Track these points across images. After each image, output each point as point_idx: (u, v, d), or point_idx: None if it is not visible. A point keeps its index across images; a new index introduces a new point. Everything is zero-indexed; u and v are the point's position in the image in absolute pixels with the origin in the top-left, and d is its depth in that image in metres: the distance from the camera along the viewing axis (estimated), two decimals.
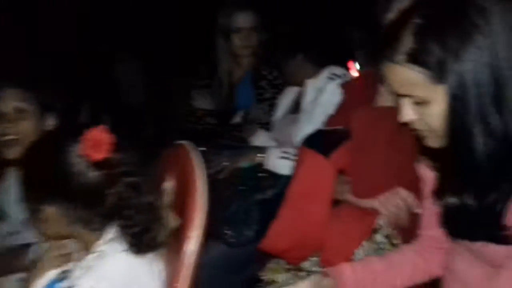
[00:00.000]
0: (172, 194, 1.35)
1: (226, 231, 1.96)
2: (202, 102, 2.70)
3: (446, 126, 0.95)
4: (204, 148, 2.37)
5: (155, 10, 4.19)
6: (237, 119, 2.57)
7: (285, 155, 2.03)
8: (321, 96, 2.05)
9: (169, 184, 1.37)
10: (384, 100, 1.53)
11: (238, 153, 2.16)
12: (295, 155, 2.01)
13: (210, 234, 2.00)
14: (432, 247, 1.25)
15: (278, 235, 1.57)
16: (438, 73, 0.92)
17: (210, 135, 2.59)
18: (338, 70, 2.13)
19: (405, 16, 0.95)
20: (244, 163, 2.12)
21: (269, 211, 1.79)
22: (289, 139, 2.14)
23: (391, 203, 1.46)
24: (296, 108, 2.23)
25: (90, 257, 1.14)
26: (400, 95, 0.99)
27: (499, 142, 0.92)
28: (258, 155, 2.09)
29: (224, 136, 2.56)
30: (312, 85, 2.15)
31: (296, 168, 1.62)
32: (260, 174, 2.05)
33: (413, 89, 0.96)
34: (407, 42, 0.94)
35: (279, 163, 2.02)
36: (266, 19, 2.60)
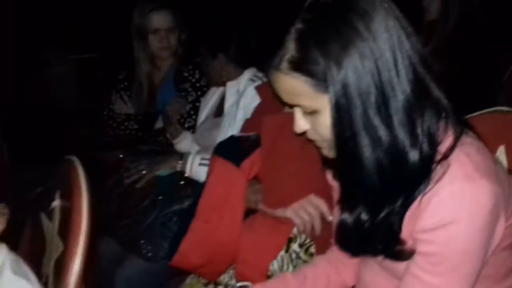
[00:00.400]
0: (59, 215, 1.23)
1: (143, 245, 1.84)
2: (123, 106, 2.56)
3: (334, 137, 0.89)
4: (121, 155, 2.26)
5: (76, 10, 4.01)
6: (159, 124, 2.45)
7: (205, 162, 1.93)
8: (242, 100, 1.96)
9: (57, 204, 1.24)
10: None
11: (158, 160, 2.04)
12: None
13: (128, 248, 1.91)
14: (345, 256, 1.19)
15: (189, 250, 1.48)
16: (322, 82, 0.86)
17: (132, 141, 2.46)
18: (255, 72, 2.05)
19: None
20: (163, 171, 2.00)
21: (186, 222, 1.70)
22: (211, 144, 2.04)
23: (304, 211, 1.39)
24: (219, 111, 2.13)
25: None
26: (290, 105, 0.92)
27: (388, 154, 0.85)
28: (179, 162, 1.98)
29: (146, 141, 2.44)
30: (233, 87, 2.06)
31: (207, 178, 1.52)
32: (180, 183, 1.93)
33: (299, 98, 0.90)
34: (290, 49, 0.88)
35: (199, 170, 1.92)
36: (184, 18, 2.49)
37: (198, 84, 2.43)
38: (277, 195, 1.43)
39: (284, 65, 0.88)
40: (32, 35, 3.88)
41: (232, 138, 1.62)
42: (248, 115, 1.88)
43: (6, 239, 1.18)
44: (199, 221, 1.49)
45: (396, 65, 0.84)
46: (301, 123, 0.95)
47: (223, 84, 2.13)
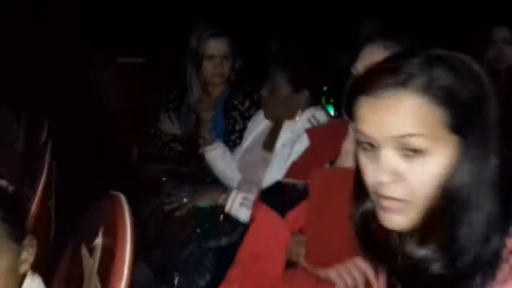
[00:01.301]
0: (101, 254, 1.20)
1: (176, 277, 1.81)
2: (170, 126, 2.56)
3: (437, 189, 0.80)
4: (164, 178, 2.25)
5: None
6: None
7: (247, 202, 1.89)
8: (297, 143, 1.91)
9: (97, 242, 1.22)
10: (344, 159, 1.40)
11: (200, 190, 2.01)
12: None
13: (161, 277, 1.88)
14: None
15: None
16: (461, 119, 0.79)
17: (175, 162, 2.45)
18: (320, 113, 2.00)
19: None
20: (204, 202, 1.97)
21: (223, 261, 1.66)
22: (256, 180, 2.00)
23: (348, 274, 1.32)
24: (268, 145, 2.08)
25: None
26: (384, 143, 0.81)
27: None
28: (221, 195, 1.94)
29: (189, 164, 2.42)
30: (289, 126, 2.01)
31: (250, 224, 1.48)
32: (220, 217, 1.90)
33: (416, 128, 0.78)
34: (429, 71, 0.80)
35: (239, 210, 1.88)
36: (241, 46, 2.48)
37: (247, 114, 2.40)
38: (321, 253, 1.36)
39: (416, 86, 0.79)
40: (81, 37, 3.93)
41: (278, 184, 1.56)
42: None
43: (39, 270, 1.16)
44: (237, 269, 1.44)
45: None
46: (388, 172, 0.81)
47: (278, 118, 2.07)
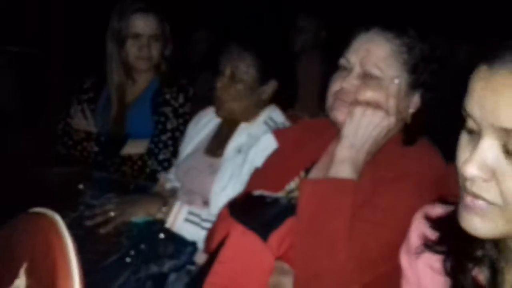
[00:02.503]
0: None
1: None
2: (83, 121, 2.12)
3: None
4: (80, 186, 1.83)
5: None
6: (127, 149, 2.03)
7: (193, 218, 1.55)
8: (254, 148, 1.59)
9: (22, 282, 0.83)
10: (339, 168, 1.16)
11: (132, 201, 1.63)
12: (205, 220, 1.55)
13: None
14: None
15: None
16: None
17: (91, 166, 2.02)
18: (277, 114, 1.70)
19: None
20: (137, 216, 1.59)
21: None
22: (199, 190, 1.67)
23: None
24: (212, 149, 1.75)
25: None
26: (487, 130, 0.67)
27: None
28: (161, 208, 1.58)
29: (107, 169, 2.01)
30: (245, 128, 1.69)
31: (224, 248, 1.15)
32: (159, 235, 1.53)
33: None
34: None
35: (183, 227, 1.54)
36: (171, 28, 2.11)
37: (180, 110, 2.06)
38: (318, 283, 1.08)
39: None
40: None
41: (251, 197, 1.26)
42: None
43: None
44: None
45: None
46: (479, 166, 0.67)
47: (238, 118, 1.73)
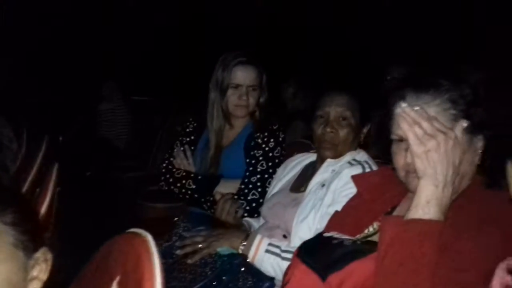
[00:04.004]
0: None
1: None
2: (184, 161, 2.33)
3: None
4: (176, 218, 2.01)
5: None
6: (220, 188, 2.20)
7: (273, 249, 1.65)
8: (333, 183, 1.69)
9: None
10: (416, 211, 1.15)
11: (218, 234, 1.77)
12: (285, 251, 1.64)
13: None
14: None
15: None
16: None
17: (188, 203, 2.21)
18: (361, 155, 1.80)
19: None
20: (222, 248, 1.73)
21: None
22: (282, 224, 1.77)
23: None
24: (297, 186, 1.86)
25: None
26: None
27: None
28: (243, 242, 1.70)
29: (204, 206, 2.18)
30: (331, 165, 1.79)
31: (284, 284, 1.24)
32: (240, 268, 1.64)
33: None
34: None
35: (264, 259, 1.63)
36: (269, 79, 2.29)
37: (270, 154, 2.19)
38: None
39: None
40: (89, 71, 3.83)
41: (320, 238, 1.33)
42: (338, 201, 1.62)
43: None
44: None
45: None
46: None
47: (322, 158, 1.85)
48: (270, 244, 1.66)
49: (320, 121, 1.82)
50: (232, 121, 2.28)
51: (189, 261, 1.72)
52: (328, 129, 1.79)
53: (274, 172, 2.12)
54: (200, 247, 1.74)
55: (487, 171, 1.20)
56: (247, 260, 1.65)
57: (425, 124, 1.13)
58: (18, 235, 0.83)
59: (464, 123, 1.15)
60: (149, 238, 0.99)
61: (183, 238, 1.81)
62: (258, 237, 1.69)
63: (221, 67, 2.24)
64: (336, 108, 1.80)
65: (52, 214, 1.48)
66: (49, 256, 0.90)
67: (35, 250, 0.87)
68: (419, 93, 1.19)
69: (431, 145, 1.11)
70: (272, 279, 1.57)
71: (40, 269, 0.88)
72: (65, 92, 3.62)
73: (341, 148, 1.80)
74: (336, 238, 1.27)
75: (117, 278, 0.98)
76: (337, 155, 1.81)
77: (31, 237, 0.86)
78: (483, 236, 1.08)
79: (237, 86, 2.21)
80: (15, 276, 0.82)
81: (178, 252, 1.75)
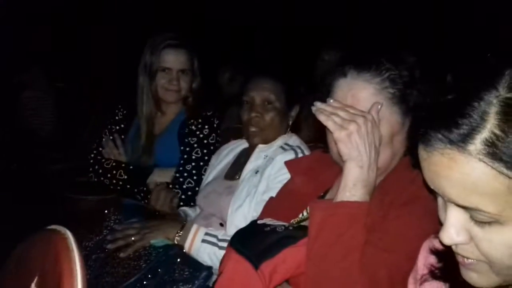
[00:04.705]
0: None
1: None
2: (114, 151, 2.22)
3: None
4: (106, 211, 1.91)
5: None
6: (154, 178, 2.11)
7: (210, 238, 1.60)
8: (267, 169, 1.66)
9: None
10: (342, 193, 1.15)
11: (151, 227, 1.69)
12: (221, 240, 1.60)
13: None
14: None
15: None
16: None
17: (120, 194, 2.11)
18: (292, 140, 1.77)
19: (485, 86, 0.62)
20: (157, 240, 1.66)
21: None
22: (217, 212, 1.73)
23: None
24: (232, 173, 1.82)
25: None
26: (452, 203, 0.67)
27: None
28: (178, 232, 1.64)
29: (137, 197, 2.09)
30: (263, 151, 1.76)
31: (219, 274, 1.20)
32: (176, 260, 1.57)
33: (482, 199, 0.63)
34: (490, 124, 0.61)
35: (200, 248, 1.58)
36: (201, 63, 2.21)
37: (205, 141, 2.13)
38: None
39: (477, 146, 0.61)
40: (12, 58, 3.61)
41: (254, 225, 1.29)
42: (272, 188, 1.59)
43: None
44: None
45: None
46: (454, 234, 0.68)
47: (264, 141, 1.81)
48: (206, 234, 1.61)
49: (246, 107, 1.79)
50: (163, 107, 2.19)
51: (122, 254, 1.64)
52: (253, 114, 1.76)
53: (209, 159, 2.07)
54: (133, 239, 1.66)
55: (410, 151, 1.20)
56: (183, 251, 1.59)
57: (342, 113, 1.14)
58: None
59: (379, 105, 1.15)
60: (69, 234, 0.92)
61: (114, 231, 1.72)
62: (194, 227, 1.64)
63: (150, 50, 2.15)
64: (260, 93, 1.77)
65: None
66: None
67: None
68: (360, 70, 1.18)
69: (352, 127, 1.12)
70: (209, 268, 1.52)
71: None
72: None
73: (269, 132, 1.78)
74: (269, 225, 1.24)
75: (35, 279, 0.90)
76: (266, 140, 1.79)
77: None
78: (406, 215, 1.10)
79: (166, 70, 2.13)
80: None
81: (110, 246, 1.66)
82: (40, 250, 0.94)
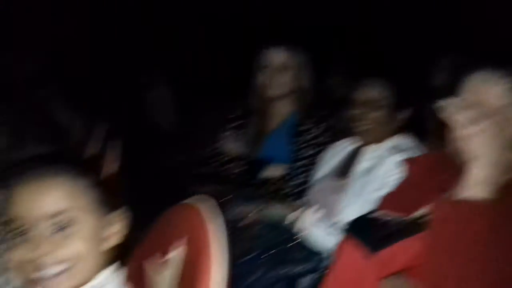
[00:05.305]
0: (179, 269, 1.02)
1: None
2: (230, 145, 2.38)
3: None
4: (222, 200, 2.06)
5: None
6: (266, 173, 2.24)
7: (322, 224, 1.68)
8: (378, 169, 1.71)
9: (175, 254, 1.04)
10: (468, 191, 1.17)
11: (271, 208, 1.81)
12: (334, 227, 1.67)
13: None
14: None
15: None
16: None
17: (234, 187, 2.25)
18: (405, 141, 1.81)
19: None
20: (273, 214, 1.75)
21: None
22: (331, 209, 1.81)
23: None
24: (342, 172, 1.89)
25: None
26: None
27: None
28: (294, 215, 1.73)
29: (250, 191, 2.23)
30: (375, 151, 1.82)
31: (335, 260, 1.27)
32: (292, 241, 1.67)
33: None
34: None
35: (314, 232, 1.67)
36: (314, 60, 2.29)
37: (316, 140, 2.22)
38: None
39: None
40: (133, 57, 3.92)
41: (372, 215, 1.36)
42: (383, 187, 1.64)
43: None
44: None
45: None
46: None
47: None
48: (319, 219, 1.69)
49: (355, 106, 1.85)
50: (276, 104, 2.30)
51: (243, 231, 1.77)
52: (362, 113, 1.83)
53: (320, 157, 2.15)
54: (251, 217, 1.78)
55: None
56: (297, 233, 1.69)
57: (470, 110, 1.15)
58: (98, 195, 0.93)
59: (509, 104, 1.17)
60: (214, 203, 1.04)
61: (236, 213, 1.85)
62: (309, 211, 1.72)
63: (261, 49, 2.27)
64: (369, 92, 1.82)
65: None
66: (124, 216, 0.97)
67: (112, 210, 0.95)
68: (490, 69, 1.21)
69: (481, 125, 1.13)
70: (322, 252, 1.60)
71: (117, 227, 0.96)
72: None
73: (378, 132, 1.83)
74: (387, 216, 1.29)
75: (177, 244, 1.03)
76: (376, 140, 1.83)
77: (108, 198, 0.95)
78: None
79: (267, 67, 2.23)
80: (96, 229, 0.92)
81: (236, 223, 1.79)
82: (185, 216, 1.08)
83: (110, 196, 0.96)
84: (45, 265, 0.85)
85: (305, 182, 2.14)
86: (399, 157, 1.68)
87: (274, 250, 1.65)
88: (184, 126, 3.54)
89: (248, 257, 1.66)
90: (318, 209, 1.86)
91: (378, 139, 1.84)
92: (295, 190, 2.15)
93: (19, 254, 0.86)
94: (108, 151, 1.81)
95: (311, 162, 2.18)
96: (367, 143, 1.85)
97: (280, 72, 2.23)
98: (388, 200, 1.47)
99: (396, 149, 1.77)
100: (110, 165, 1.52)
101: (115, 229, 0.96)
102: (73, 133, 2.10)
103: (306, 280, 1.60)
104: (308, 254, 1.61)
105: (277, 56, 2.24)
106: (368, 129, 1.84)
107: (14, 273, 0.88)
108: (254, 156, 2.31)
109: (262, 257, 1.65)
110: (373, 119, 1.83)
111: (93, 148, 2.02)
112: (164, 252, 1.04)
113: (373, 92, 1.83)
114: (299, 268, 1.59)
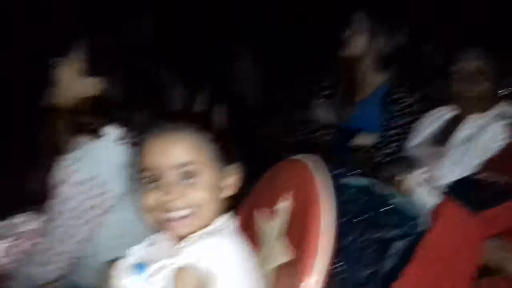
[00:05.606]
0: (287, 218, 1.09)
1: (336, 265, 1.65)
2: (321, 114, 2.43)
3: None
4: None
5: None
6: (357, 141, 2.27)
7: (425, 182, 1.70)
8: (481, 136, 1.70)
9: (284, 205, 1.11)
10: None
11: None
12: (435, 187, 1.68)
13: None
14: None
15: None
16: None
17: (324, 155, 2.30)
18: (509, 109, 1.78)
19: None
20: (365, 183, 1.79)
21: (385, 254, 1.50)
22: (429, 175, 1.82)
23: None
24: (440, 140, 1.89)
25: None
26: None
27: None
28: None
29: (339, 159, 2.27)
30: (476, 120, 1.81)
31: (434, 221, 1.29)
32: (387, 204, 1.69)
33: None
34: None
35: (419, 191, 1.69)
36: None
37: (409, 109, 2.21)
38: None
39: None
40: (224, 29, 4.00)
41: (470, 180, 1.37)
42: (484, 156, 1.62)
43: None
44: (418, 267, 1.27)
45: None
46: None
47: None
48: (426, 180, 1.71)
49: (456, 77, 1.83)
50: (367, 74, 2.30)
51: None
52: (465, 85, 1.79)
53: (413, 126, 2.14)
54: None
55: None
56: (391, 198, 1.71)
57: None
58: (216, 150, 1.02)
59: None
60: (321, 163, 1.11)
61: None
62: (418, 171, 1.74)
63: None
64: (472, 63, 1.78)
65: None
66: (239, 170, 1.06)
67: (229, 163, 1.03)
68: None
69: None
70: (417, 217, 1.62)
71: (232, 180, 1.04)
72: None
73: (480, 103, 1.80)
74: (490, 178, 1.30)
75: (290, 192, 1.10)
76: (479, 110, 1.80)
77: (225, 152, 1.03)
78: None
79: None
80: (216, 180, 1.01)
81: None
82: (293, 170, 1.15)
83: (225, 151, 1.04)
84: (174, 208, 0.96)
85: (397, 151, 2.15)
86: (504, 123, 1.66)
87: (370, 213, 1.68)
88: (275, 94, 3.62)
89: (344, 219, 1.70)
90: (426, 171, 1.87)
91: (481, 109, 1.81)
92: (386, 159, 2.17)
93: (152, 198, 0.98)
94: (215, 111, 1.91)
95: (404, 131, 2.17)
96: (469, 113, 1.83)
97: (367, 40, 2.24)
98: (493, 163, 1.47)
99: (501, 117, 1.74)
100: (221, 124, 1.61)
101: (231, 181, 1.04)
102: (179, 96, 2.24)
103: (399, 244, 1.62)
104: (402, 219, 1.63)
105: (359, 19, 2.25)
106: (472, 101, 1.81)
107: (146, 215, 1.00)
108: (345, 125, 2.35)
109: (354, 221, 1.69)
110: (478, 92, 1.80)
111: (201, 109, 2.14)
112: (273, 203, 1.12)
113: (477, 63, 1.80)
114: (392, 233, 1.61)
